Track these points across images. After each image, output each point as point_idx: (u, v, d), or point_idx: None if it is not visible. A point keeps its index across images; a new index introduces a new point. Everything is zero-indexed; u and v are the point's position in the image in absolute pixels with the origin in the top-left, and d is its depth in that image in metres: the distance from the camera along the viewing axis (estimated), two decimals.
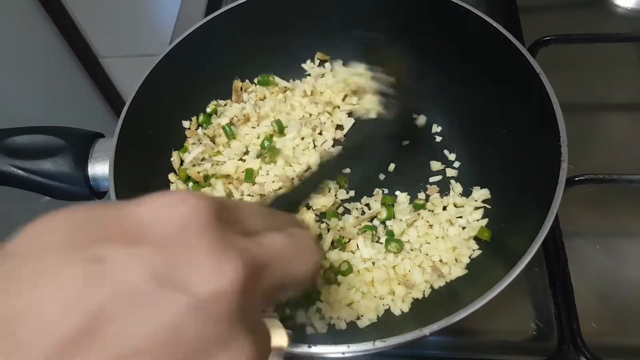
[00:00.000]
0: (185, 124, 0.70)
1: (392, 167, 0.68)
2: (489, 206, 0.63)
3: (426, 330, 0.45)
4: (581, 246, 0.63)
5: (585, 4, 0.85)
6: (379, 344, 0.45)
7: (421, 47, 0.66)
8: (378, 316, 0.57)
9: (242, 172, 0.66)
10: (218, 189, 0.64)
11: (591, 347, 0.55)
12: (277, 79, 0.74)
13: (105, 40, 1.34)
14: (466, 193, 0.65)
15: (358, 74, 0.71)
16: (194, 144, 0.68)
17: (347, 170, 0.67)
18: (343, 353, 0.45)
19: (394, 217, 0.64)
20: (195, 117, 0.71)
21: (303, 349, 0.45)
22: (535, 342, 0.59)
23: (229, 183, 0.66)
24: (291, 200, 0.46)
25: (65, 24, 1.28)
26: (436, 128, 0.71)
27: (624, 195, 0.67)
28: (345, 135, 0.72)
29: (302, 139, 0.69)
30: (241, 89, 0.73)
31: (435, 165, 0.68)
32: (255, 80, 0.75)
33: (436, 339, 0.60)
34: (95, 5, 1.27)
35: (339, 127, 0.72)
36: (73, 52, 1.34)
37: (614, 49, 0.77)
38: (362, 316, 0.57)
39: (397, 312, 0.58)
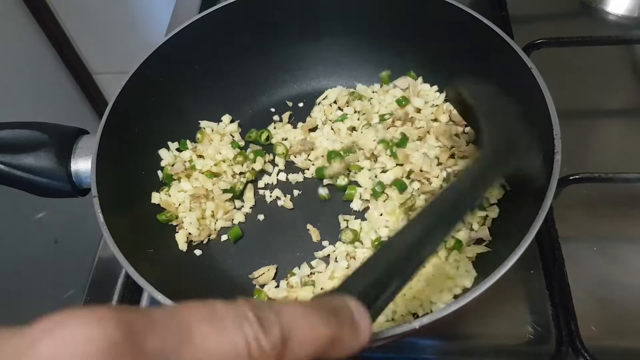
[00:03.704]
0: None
1: None
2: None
3: (416, 324, 0.43)
4: (578, 249, 0.62)
5: (577, 12, 0.85)
6: None
7: (410, 46, 0.66)
8: (455, 295, 0.54)
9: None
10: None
11: (591, 349, 0.52)
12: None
13: (99, 56, 1.35)
14: None
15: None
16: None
17: None
18: None
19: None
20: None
21: None
22: (533, 346, 0.56)
23: None
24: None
25: (59, 40, 1.29)
26: None
27: (620, 198, 0.66)
28: None
29: None
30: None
31: None
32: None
33: (431, 343, 0.57)
34: (89, 22, 1.28)
35: None
36: (67, 68, 1.34)
37: (606, 54, 0.77)
38: (435, 303, 0.54)
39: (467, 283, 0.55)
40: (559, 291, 0.57)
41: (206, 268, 0.62)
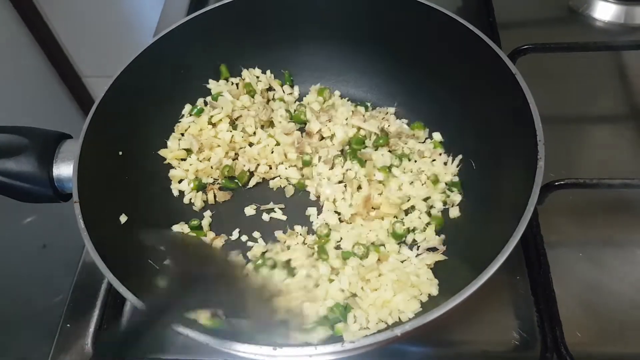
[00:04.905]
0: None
1: None
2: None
3: (397, 331, 0.42)
4: (564, 254, 0.62)
5: (564, 18, 0.86)
6: (348, 345, 0.42)
7: (398, 51, 0.66)
8: (421, 302, 0.55)
9: None
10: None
11: (576, 355, 0.52)
12: None
13: (89, 60, 1.34)
14: None
15: None
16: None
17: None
18: (310, 355, 0.43)
19: None
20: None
21: (268, 352, 0.43)
22: (518, 352, 0.56)
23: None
24: None
25: (49, 44, 1.28)
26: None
27: (606, 204, 0.66)
28: None
29: None
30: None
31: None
32: None
33: (417, 350, 0.57)
34: (79, 26, 1.27)
35: None
36: (56, 71, 1.34)
37: (592, 60, 0.77)
38: (403, 311, 0.54)
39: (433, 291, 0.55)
40: (544, 297, 0.56)
41: None
